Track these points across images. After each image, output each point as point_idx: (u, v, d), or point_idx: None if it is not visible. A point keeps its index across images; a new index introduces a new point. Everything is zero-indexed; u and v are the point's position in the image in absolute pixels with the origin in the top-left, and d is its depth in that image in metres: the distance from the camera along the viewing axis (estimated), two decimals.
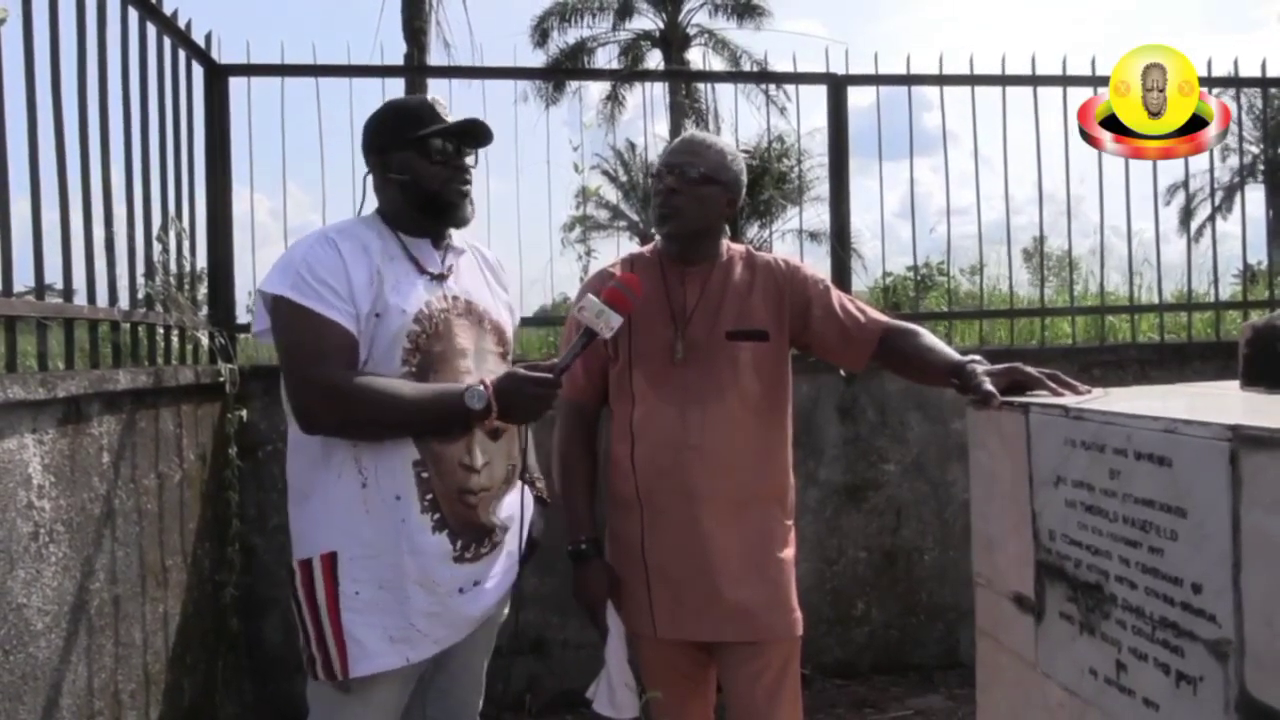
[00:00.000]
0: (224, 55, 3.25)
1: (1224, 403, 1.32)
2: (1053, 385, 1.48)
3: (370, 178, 1.75)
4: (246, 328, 3.15)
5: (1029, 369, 1.54)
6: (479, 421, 1.59)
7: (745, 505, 1.84)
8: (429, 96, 1.77)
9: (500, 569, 1.74)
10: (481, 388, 1.56)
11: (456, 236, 1.81)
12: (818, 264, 2.54)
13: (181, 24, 2.88)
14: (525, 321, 3.82)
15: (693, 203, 1.84)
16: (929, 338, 1.87)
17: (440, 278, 1.71)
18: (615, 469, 1.89)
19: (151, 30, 2.71)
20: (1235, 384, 1.46)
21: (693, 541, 1.82)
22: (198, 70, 3.12)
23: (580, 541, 1.87)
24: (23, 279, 2.07)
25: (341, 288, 1.57)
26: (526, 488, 1.80)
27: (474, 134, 1.74)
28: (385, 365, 1.59)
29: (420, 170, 1.68)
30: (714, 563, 1.81)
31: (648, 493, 1.84)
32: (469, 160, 1.74)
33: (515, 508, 1.76)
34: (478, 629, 1.75)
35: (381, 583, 1.59)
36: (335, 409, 1.55)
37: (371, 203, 1.79)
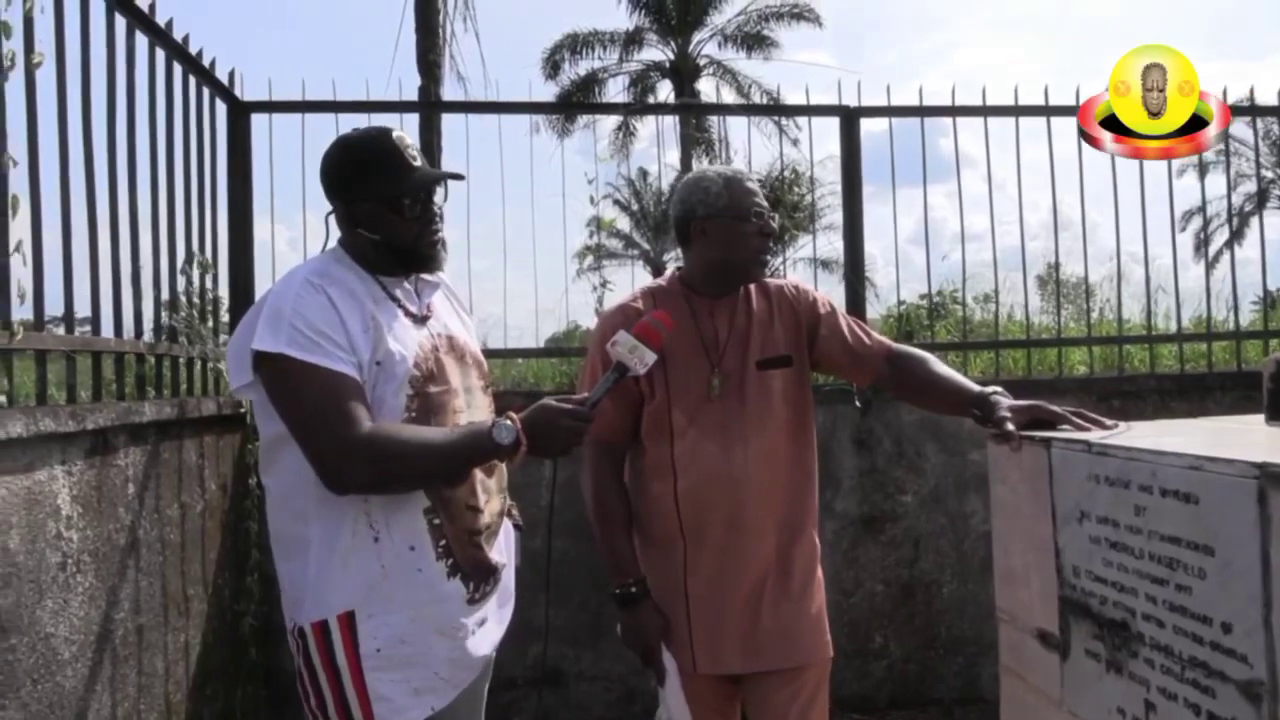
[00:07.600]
0: (246, 92, 3.32)
1: (1250, 438, 1.32)
2: (1077, 422, 1.48)
3: (333, 216, 1.66)
4: None
5: (1052, 407, 1.53)
6: (507, 457, 1.54)
7: (790, 530, 1.86)
8: (393, 133, 1.61)
9: (497, 603, 1.72)
10: (509, 421, 1.51)
11: None
12: (832, 293, 2.55)
13: (206, 62, 2.94)
14: (538, 353, 3.84)
15: None
16: (941, 365, 1.88)
17: (423, 319, 1.66)
18: (654, 506, 1.86)
19: (178, 69, 2.77)
20: (1260, 417, 1.46)
21: (740, 573, 1.82)
22: (221, 107, 3.18)
23: (629, 585, 1.83)
24: (49, 310, 2.11)
25: (340, 337, 1.50)
26: (506, 518, 1.78)
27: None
28: (390, 413, 1.53)
29: (391, 226, 1.59)
30: (761, 592, 1.82)
31: (693, 528, 1.82)
32: (439, 198, 1.66)
33: (506, 540, 1.75)
34: None
35: (403, 637, 1.54)
36: (372, 468, 1.47)
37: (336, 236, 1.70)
